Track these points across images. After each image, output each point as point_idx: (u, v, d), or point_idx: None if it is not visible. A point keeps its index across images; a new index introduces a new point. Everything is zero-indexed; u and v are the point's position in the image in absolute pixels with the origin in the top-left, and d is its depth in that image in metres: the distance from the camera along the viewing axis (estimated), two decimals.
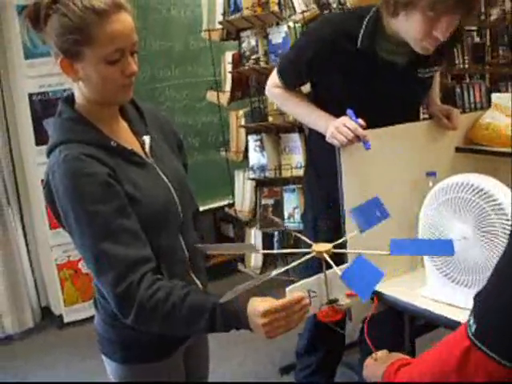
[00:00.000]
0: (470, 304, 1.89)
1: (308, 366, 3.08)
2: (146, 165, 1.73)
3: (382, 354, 1.49)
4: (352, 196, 2.13)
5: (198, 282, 1.84)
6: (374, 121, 2.15)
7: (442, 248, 1.57)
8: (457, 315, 1.91)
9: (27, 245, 4.60)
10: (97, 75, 1.60)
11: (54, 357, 4.10)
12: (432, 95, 2.64)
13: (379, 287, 2.00)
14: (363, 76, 2.35)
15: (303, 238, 1.75)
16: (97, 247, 1.55)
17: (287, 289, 1.57)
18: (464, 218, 1.89)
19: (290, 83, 2.54)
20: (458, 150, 2.50)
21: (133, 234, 1.60)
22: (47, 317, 4.66)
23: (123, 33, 1.57)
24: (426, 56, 2.30)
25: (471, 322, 0.95)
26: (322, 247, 1.57)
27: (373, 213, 1.66)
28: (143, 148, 1.76)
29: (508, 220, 1.80)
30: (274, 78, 2.57)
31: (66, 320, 4.51)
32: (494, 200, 1.82)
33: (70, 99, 1.72)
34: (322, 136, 2.28)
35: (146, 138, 1.78)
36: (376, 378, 1.36)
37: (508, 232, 1.80)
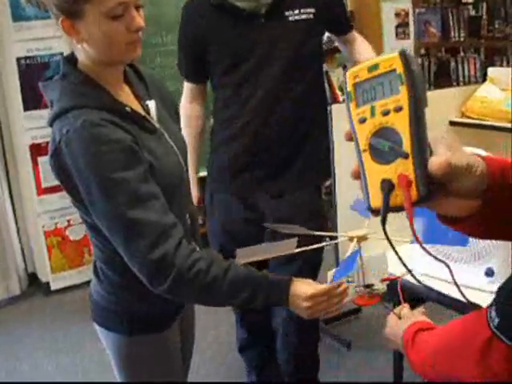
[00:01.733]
0: (464, 280, 1.90)
1: (252, 360, 3.00)
2: (157, 131, 1.67)
3: (406, 311, 1.46)
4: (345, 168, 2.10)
5: (198, 249, 1.80)
6: (261, 93, 2.20)
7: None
8: (446, 290, 1.91)
9: (14, 211, 4.55)
10: (100, 33, 1.51)
11: (41, 324, 4.07)
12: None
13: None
14: (234, 37, 2.32)
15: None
16: (126, 215, 1.49)
17: (328, 273, 1.61)
18: None
19: (188, 74, 2.56)
20: (452, 123, 2.47)
21: (160, 199, 1.55)
22: (34, 284, 4.63)
23: None
24: None
25: (493, 314, 0.94)
26: (356, 233, 1.58)
27: None
28: (147, 112, 1.69)
29: None
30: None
31: (52, 287, 4.48)
32: None
33: (71, 60, 1.62)
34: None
35: (151, 103, 1.71)
36: (397, 337, 1.33)
37: None
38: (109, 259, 1.65)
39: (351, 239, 1.56)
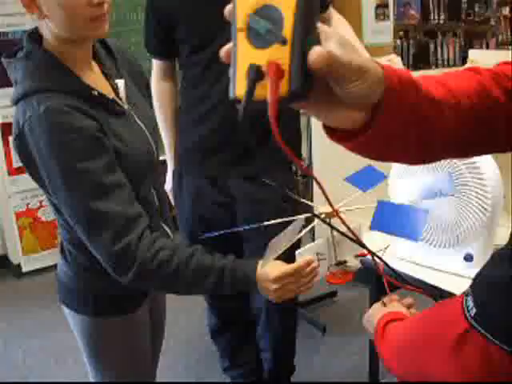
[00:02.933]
0: (442, 264, 1.88)
1: (225, 346, 2.95)
2: (125, 113, 1.62)
3: (392, 298, 1.40)
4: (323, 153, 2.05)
5: (168, 231, 1.79)
6: None
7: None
8: (425, 275, 1.88)
9: None
10: (61, 8, 1.43)
11: (11, 307, 4.00)
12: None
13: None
14: (204, 15, 2.24)
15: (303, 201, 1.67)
16: (89, 207, 1.46)
17: (297, 252, 1.56)
18: (438, 173, 1.82)
19: (157, 50, 2.48)
20: None
21: (124, 189, 1.51)
22: (5, 266, 4.55)
23: None
24: None
25: (469, 303, 0.87)
26: (328, 208, 1.52)
27: (368, 177, 1.59)
28: (116, 93, 1.63)
29: (481, 178, 1.74)
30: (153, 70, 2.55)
31: (24, 269, 4.42)
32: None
33: (35, 36, 1.54)
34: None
35: (120, 82, 1.65)
36: (371, 325, 1.29)
37: (483, 191, 1.74)
38: (75, 240, 1.60)
39: (328, 216, 1.51)
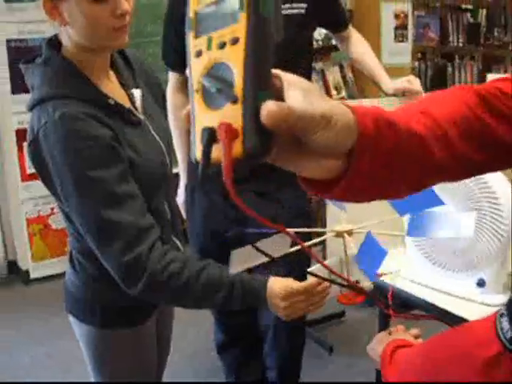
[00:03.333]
0: (454, 289, 1.86)
1: (231, 362, 2.92)
2: (141, 124, 1.62)
3: (399, 328, 1.38)
4: None
5: (179, 244, 1.78)
6: None
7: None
8: (436, 299, 1.86)
9: None
10: (83, 17, 1.44)
11: (18, 313, 3.99)
12: (378, 73, 2.47)
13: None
14: None
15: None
16: (101, 215, 1.45)
17: (308, 270, 1.52)
18: (452, 197, 1.80)
19: (174, 63, 2.47)
20: None
21: (136, 199, 1.51)
22: (13, 271, 4.56)
23: None
24: None
25: (504, 325, 0.84)
26: (343, 228, 1.50)
27: (372, 256, 1.55)
28: (132, 103, 1.63)
29: (496, 203, 1.72)
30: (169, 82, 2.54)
31: (32, 276, 4.42)
32: (482, 181, 1.74)
33: (54, 43, 1.55)
34: None
35: (136, 92, 1.65)
36: (376, 354, 1.27)
37: (498, 216, 1.72)
38: (85, 249, 1.59)
39: (339, 235, 1.49)
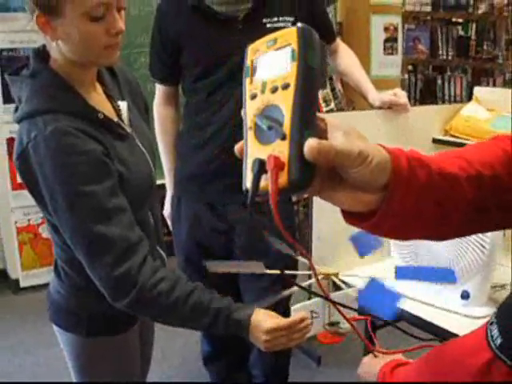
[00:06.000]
0: (440, 302, 1.87)
1: (217, 374, 2.92)
2: (128, 136, 1.63)
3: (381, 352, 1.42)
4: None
5: (163, 254, 1.80)
6: (233, 101, 2.17)
7: (445, 276, 1.49)
8: (421, 311, 1.87)
9: None
10: (78, 34, 1.44)
11: (7, 322, 3.99)
12: (364, 85, 2.50)
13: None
14: (210, 42, 2.26)
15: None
16: (91, 230, 1.46)
17: (292, 308, 1.59)
18: None
19: (161, 76, 2.49)
20: (435, 141, 2.44)
21: (126, 213, 1.52)
22: (3, 280, 4.54)
23: None
24: (270, 1, 2.22)
25: (494, 333, 0.86)
26: (329, 270, 1.56)
27: (369, 240, 1.56)
28: (119, 115, 1.64)
29: None
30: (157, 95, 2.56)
31: (22, 284, 4.41)
32: None
33: (42, 55, 1.55)
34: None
35: (123, 104, 1.66)
36: (371, 375, 1.28)
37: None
38: (71, 259, 1.60)
39: (325, 277, 1.53)
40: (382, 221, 0.79)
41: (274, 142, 0.73)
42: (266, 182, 0.72)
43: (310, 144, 0.71)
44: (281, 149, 0.72)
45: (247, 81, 0.79)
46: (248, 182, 0.75)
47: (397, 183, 0.77)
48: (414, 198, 0.79)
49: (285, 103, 0.73)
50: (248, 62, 0.80)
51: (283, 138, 0.72)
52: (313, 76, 0.75)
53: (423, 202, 0.80)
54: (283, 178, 0.71)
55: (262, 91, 0.76)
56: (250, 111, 0.77)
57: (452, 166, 0.83)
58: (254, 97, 0.77)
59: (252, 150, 0.76)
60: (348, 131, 0.75)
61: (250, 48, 0.80)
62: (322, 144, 0.71)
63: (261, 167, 0.72)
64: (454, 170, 0.83)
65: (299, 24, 0.77)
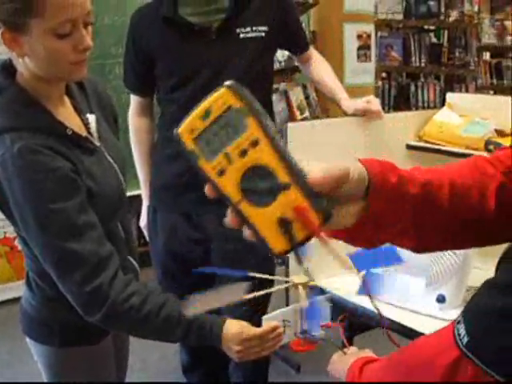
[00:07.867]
0: (416, 306, 1.88)
1: (196, 383, 2.90)
2: (97, 150, 1.62)
3: (352, 349, 1.43)
4: None
5: (135, 264, 1.79)
6: None
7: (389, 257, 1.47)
8: (397, 315, 1.88)
9: None
10: (45, 51, 1.42)
11: None
12: (338, 93, 2.50)
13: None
14: (184, 53, 2.27)
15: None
16: (61, 247, 1.46)
17: (264, 317, 1.59)
18: None
19: (135, 87, 2.49)
20: (408, 147, 2.46)
21: (96, 228, 1.51)
22: None
23: (75, 0, 1.39)
24: (243, 11, 2.24)
25: (461, 331, 0.87)
26: (300, 279, 1.54)
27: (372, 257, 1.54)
28: (87, 128, 1.63)
29: None
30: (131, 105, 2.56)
31: None
32: None
33: (7, 69, 1.53)
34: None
35: (91, 118, 1.65)
36: (341, 373, 1.29)
37: None
38: (42, 271, 1.59)
39: (296, 286, 1.53)
40: (362, 225, 0.85)
41: (279, 197, 0.74)
42: (298, 232, 0.74)
43: (315, 176, 0.76)
44: (291, 197, 0.74)
45: (201, 163, 0.76)
46: (277, 244, 0.75)
47: (373, 184, 0.84)
48: (388, 196, 0.86)
49: (265, 158, 0.73)
50: (189, 146, 0.76)
51: (286, 187, 0.73)
52: (271, 120, 0.75)
53: (398, 205, 0.87)
54: (313, 217, 0.74)
55: (229, 162, 0.74)
56: (228, 187, 0.75)
57: (421, 173, 0.91)
58: (222, 173, 0.74)
59: (256, 217, 0.75)
60: (324, 166, 0.80)
61: (181, 131, 0.77)
62: (322, 171, 0.77)
63: (286, 224, 0.74)
64: (423, 176, 0.90)
65: (227, 82, 0.74)
